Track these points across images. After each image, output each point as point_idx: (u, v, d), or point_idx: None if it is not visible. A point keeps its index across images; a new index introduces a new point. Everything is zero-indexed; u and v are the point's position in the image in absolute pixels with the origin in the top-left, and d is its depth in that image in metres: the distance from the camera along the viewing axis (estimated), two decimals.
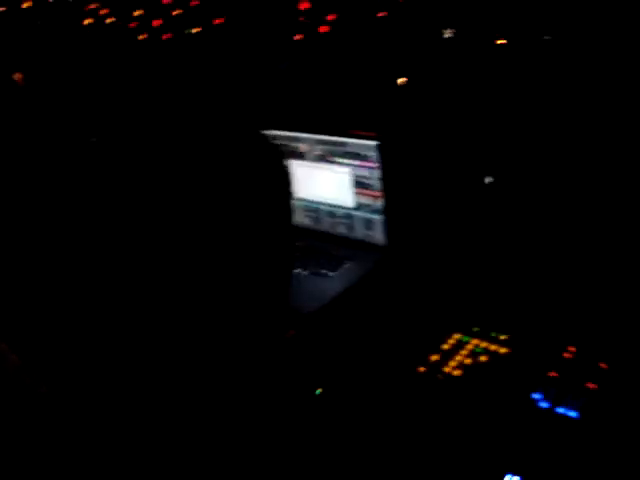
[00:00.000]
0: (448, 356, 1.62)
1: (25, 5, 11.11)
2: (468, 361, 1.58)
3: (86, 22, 12.06)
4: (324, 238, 2.15)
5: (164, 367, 1.00)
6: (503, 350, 1.60)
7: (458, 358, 1.61)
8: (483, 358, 1.58)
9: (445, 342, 1.68)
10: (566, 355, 1.53)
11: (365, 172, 1.99)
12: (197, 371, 0.99)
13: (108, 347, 1.08)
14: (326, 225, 2.16)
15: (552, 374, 1.47)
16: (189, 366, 0.99)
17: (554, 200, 2.02)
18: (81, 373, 1.17)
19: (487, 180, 2.12)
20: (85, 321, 1.14)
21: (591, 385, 1.43)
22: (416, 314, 1.80)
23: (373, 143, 1.94)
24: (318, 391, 1.53)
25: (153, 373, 1.01)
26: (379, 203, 1.99)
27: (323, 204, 2.15)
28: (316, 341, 1.69)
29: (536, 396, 1.42)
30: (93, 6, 11.60)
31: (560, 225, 1.95)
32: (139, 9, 11.05)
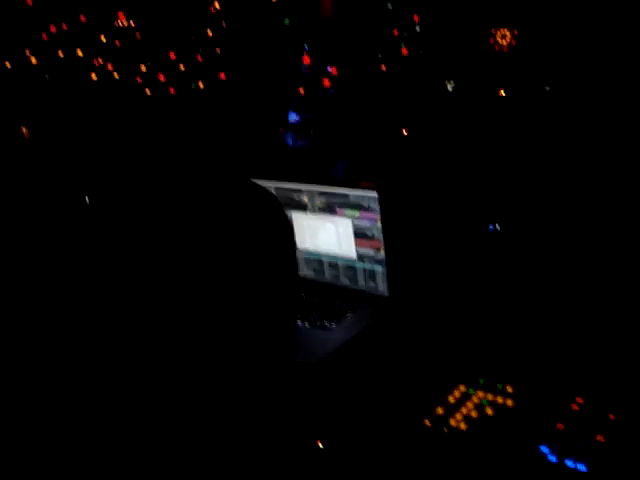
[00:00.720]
0: (454, 409, 1.59)
1: (34, 61, 11.29)
2: (474, 414, 1.56)
3: (94, 76, 12.20)
4: (326, 289, 2.14)
5: (173, 423, 0.99)
6: (509, 402, 1.58)
7: (464, 411, 1.58)
8: (489, 411, 1.56)
9: (450, 394, 1.65)
10: (574, 407, 1.51)
11: (366, 223, 1.99)
12: (203, 423, 0.97)
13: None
14: (328, 276, 2.15)
15: (560, 426, 1.45)
16: (194, 420, 0.97)
17: (559, 249, 2.01)
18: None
19: (492, 227, 2.12)
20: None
21: (599, 437, 1.40)
22: (420, 366, 1.78)
23: (374, 194, 1.94)
24: (321, 445, 1.51)
25: (161, 429, 0.99)
26: (381, 254, 1.98)
27: (325, 255, 2.14)
28: (319, 394, 1.67)
29: (544, 449, 1.39)
30: (101, 61, 11.80)
31: (567, 274, 1.94)
32: (145, 64, 11.22)
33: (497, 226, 2.03)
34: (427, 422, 1.55)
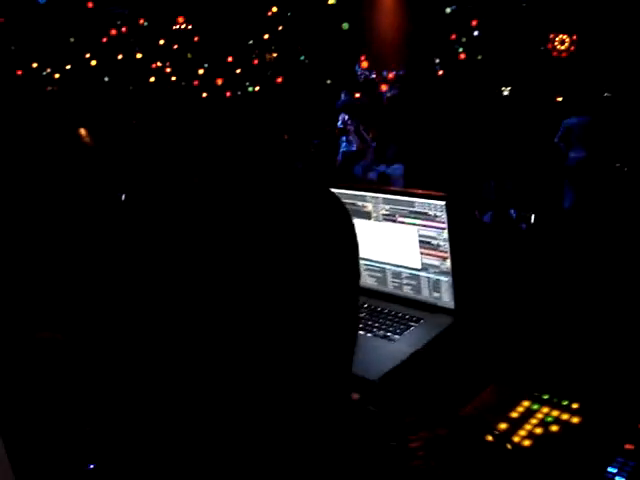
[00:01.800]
0: (517, 425, 1.57)
1: (93, 63, 11.51)
2: (538, 430, 1.53)
3: (152, 79, 12.42)
4: (389, 300, 2.12)
5: (228, 430, 0.98)
6: (575, 419, 1.54)
7: (528, 427, 1.55)
8: (554, 428, 1.53)
9: (514, 410, 1.63)
10: None
11: (432, 232, 1.97)
12: (260, 434, 0.96)
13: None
14: (391, 286, 2.13)
15: (628, 446, 1.41)
16: (252, 428, 0.96)
17: (628, 267, 1.97)
18: None
19: (514, 213, 2.08)
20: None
21: None
22: (484, 380, 1.76)
23: (441, 203, 1.92)
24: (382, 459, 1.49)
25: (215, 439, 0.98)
26: (447, 264, 1.96)
27: (388, 264, 2.13)
28: (381, 406, 1.65)
29: (612, 470, 1.36)
30: (159, 64, 12.03)
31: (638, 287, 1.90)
32: (202, 68, 11.41)
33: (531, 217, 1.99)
34: (489, 438, 1.53)
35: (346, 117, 11.84)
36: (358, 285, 1.02)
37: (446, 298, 1.99)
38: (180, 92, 13.49)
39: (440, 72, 9.18)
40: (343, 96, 12.06)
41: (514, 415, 1.60)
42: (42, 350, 2.85)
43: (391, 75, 8.58)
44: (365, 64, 8.62)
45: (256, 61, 12.04)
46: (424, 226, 1.98)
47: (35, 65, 12.03)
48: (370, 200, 2.10)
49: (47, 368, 2.83)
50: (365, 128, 10.02)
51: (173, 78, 12.59)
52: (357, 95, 9.19)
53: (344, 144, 12.27)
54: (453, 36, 9.18)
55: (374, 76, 9.20)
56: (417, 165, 8.46)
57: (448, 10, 8.68)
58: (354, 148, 11.29)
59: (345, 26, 8.91)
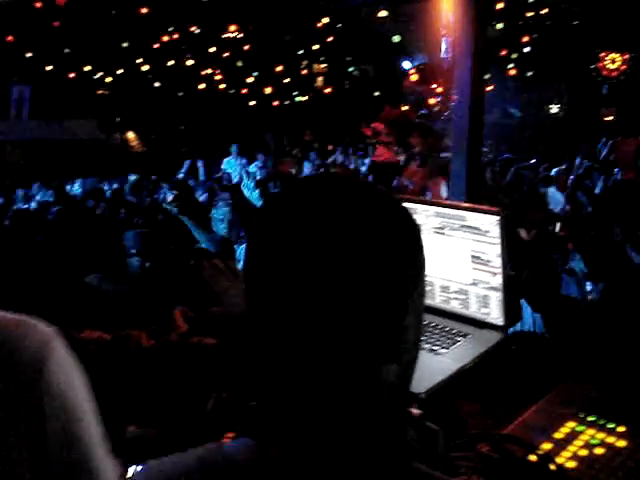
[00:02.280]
0: (561, 446, 1.54)
1: (144, 68, 11.68)
2: (583, 452, 1.50)
3: (200, 86, 12.54)
4: (437, 313, 2.10)
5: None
6: (621, 443, 1.51)
7: (572, 449, 1.53)
8: (599, 450, 1.50)
9: (559, 430, 1.61)
10: None
11: (484, 247, 1.95)
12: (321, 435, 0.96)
13: None
14: (439, 300, 2.12)
15: None
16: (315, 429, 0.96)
17: None
18: None
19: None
20: None
21: None
22: (530, 399, 1.74)
23: (495, 217, 1.90)
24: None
25: None
26: (497, 280, 1.94)
27: (437, 278, 2.11)
28: (429, 421, 1.64)
29: None
30: (209, 71, 12.15)
31: None
32: (252, 76, 11.48)
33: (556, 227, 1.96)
34: (533, 457, 1.51)
35: (377, 128, 11.89)
36: (424, 295, 1.00)
37: (495, 314, 1.96)
38: (229, 100, 13.62)
39: (489, 88, 9.12)
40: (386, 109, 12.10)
41: (559, 436, 1.58)
42: (90, 351, 2.87)
43: (440, 89, 8.57)
44: (415, 77, 8.61)
45: (305, 71, 12.10)
46: (476, 241, 1.97)
47: (88, 68, 12.25)
48: (421, 213, 2.08)
49: (97, 370, 2.85)
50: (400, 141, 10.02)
51: (222, 86, 12.71)
52: (404, 108, 9.19)
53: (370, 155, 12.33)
54: (504, 52, 9.14)
55: (422, 89, 9.20)
56: (461, 180, 8.41)
57: (499, 26, 8.65)
58: (382, 159, 11.32)
59: (396, 38, 8.92)
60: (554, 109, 11.79)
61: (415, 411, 1.08)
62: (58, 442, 1.13)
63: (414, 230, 0.98)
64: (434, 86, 8.98)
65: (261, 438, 0.97)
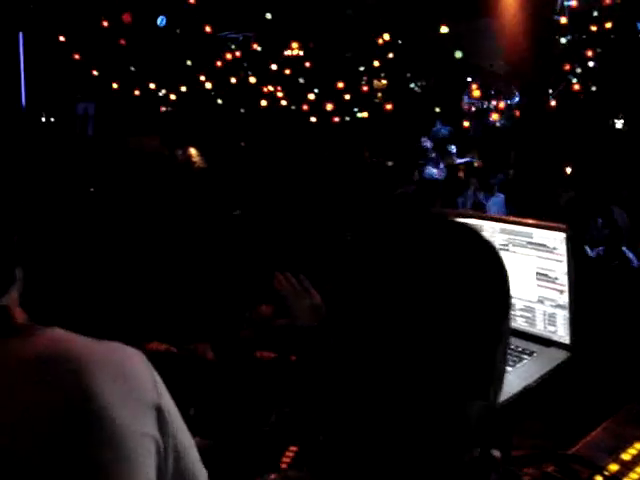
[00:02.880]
0: (629, 467, 1.52)
1: (207, 85, 11.84)
2: None
3: (263, 103, 12.66)
4: None
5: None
6: None
7: (639, 470, 1.51)
8: None
9: (626, 451, 1.58)
10: None
11: (550, 264, 1.93)
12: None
13: None
14: None
15: None
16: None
17: None
18: None
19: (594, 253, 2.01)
20: None
21: None
22: (596, 419, 1.71)
23: (562, 235, 1.88)
24: None
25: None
26: (564, 297, 1.91)
27: None
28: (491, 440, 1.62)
29: None
30: (271, 88, 12.28)
31: None
32: (313, 93, 11.56)
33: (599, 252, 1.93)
34: (599, 478, 1.49)
35: (428, 144, 11.83)
36: (509, 322, 1.01)
37: (562, 332, 1.93)
38: (290, 116, 13.73)
39: (553, 102, 9.03)
40: (438, 125, 12.06)
41: (626, 457, 1.56)
42: (157, 364, 2.92)
43: (502, 105, 8.50)
44: (477, 93, 8.57)
45: (366, 87, 12.14)
46: (542, 258, 1.94)
47: (153, 86, 12.50)
48: (487, 230, 2.07)
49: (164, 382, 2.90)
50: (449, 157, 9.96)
51: (284, 102, 12.84)
52: (466, 124, 9.14)
53: (426, 171, 12.27)
54: (567, 66, 9.03)
55: (485, 105, 9.14)
56: (520, 196, 8.34)
57: (563, 40, 8.55)
58: (436, 176, 11.25)
59: (458, 54, 8.90)
60: (618, 124, 11.59)
61: (497, 454, 1.05)
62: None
63: (501, 266, 1.00)
64: (496, 101, 8.94)
65: (322, 473, 0.97)
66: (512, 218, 2.07)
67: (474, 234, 1.00)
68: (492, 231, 2.06)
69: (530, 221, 1.98)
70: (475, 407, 0.93)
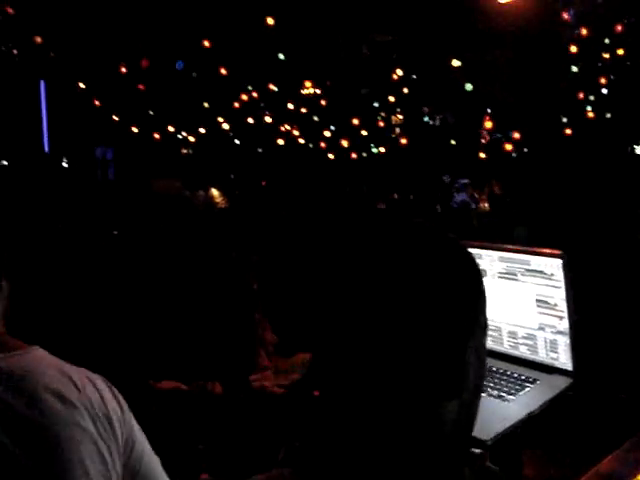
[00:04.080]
0: None
1: (225, 126, 11.91)
2: None
3: (280, 142, 12.76)
4: (504, 359, 2.08)
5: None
6: None
7: None
8: None
9: (635, 477, 1.56)
10: None
11: (549, 291, 1.93)
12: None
13: None
14: (507, 345, 2.10)
15: None
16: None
17: None
18: None
19: None
20: None
21: None
22: (604, 447, 1.69)
23: (558, 261, 1.89)
24: None
25: None
26: (564, 324, 1.91)
27: (504, 323, 2.09)
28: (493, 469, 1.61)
29: None
30: (287, 127, 12.36)
31: None
32: (329, 130, 11.62)
33: None
34: None
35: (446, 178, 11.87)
36: (484, 335, 1.03)
37: (563, 359, 1.93)
38: (308, 154, 13.83)
39: (568, 131, 9.01)
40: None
41: None
42: (167, 401, 2.94)
43: (517, 135, 8.50)
44: (489, 124, 8.59)
45: (381, 123, 12.22)
46: (540, 285, 1.95)
47: (172, 129, 12.65)
48: (485, 258, 2.08)
49: (174, 419, 2.92)
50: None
51: (301, 141, 12.94)
52: (482, 156, 9.15)
53: (457, 198, 12.28)
54: (581, 94, 9.03)
55: (499, 135, 9.15)
56: (542, 226, 8.31)
57: (575, 69, 8.57)
58: (467, 200, 11.27)
59: (468, 87, 8.95)
60: (638, 150, 11.53)
61: (476, 451, 1.08)
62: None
63: (475, 273, 1.03)
64: (510, 132, 8.94)
65: (302, 469, 1.00)
66: (509, 246, 2.07)
67: (445, 238, 1.02)
68: (490, 260, 2.07)
69: (527, 248, 1.98)
70: (449, 407, 0.96)
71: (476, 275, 1.03)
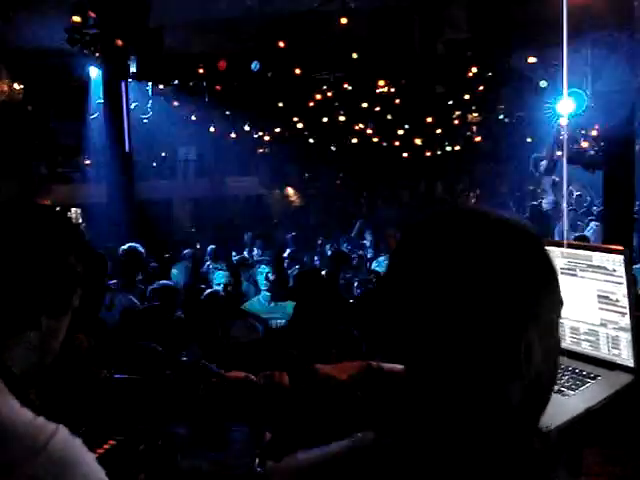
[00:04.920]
0: None
1: (299, 125, 11.96)
2: None
3: (354, 140, 12.71)
4: (569, 355, 2.08)
5: None
6: None
7: None
8: None
9: None
10: None
11: (611, 287, 1.92)
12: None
13: None
14: (569, 341, 2.10)
15: None
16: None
17: None
18: None
19: None
20: None
21: None
22: None
23: (620, 257, 1.88)
24: None
25: None
26: (625, 320, 1.90)
27: (567, 319, 2.09)
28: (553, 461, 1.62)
29: None
30: (362, 126, 12.29)
31: None
32: (402, 128, 11.59)
33: None
34: None
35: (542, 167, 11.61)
36: (554, 319, 1.13)
37: (625, 355, 1.92)
38: (382, 152, 13.84)
39: None
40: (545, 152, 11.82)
41: None
42: (236, 391, 3.03)
43: (594, 132, 8.33)
44: (564, 122, 8.43)
45: (457, 121, 12.13)
46: (602, 280, 1.94)
47: (247, 129, 12.86)
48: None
49: (239, 408, 3.00)
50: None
51: (375, 139, 12.96)
52: (558, 153, 9.01)
53: (549, 198, 12.03)
54: None
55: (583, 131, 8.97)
56: (616, 225, 8.11)
57: None
58: (548, 206, 11.04)
59: (543, 84, 8.81)
60: None
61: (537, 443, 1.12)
62: None
63: (535, 258, 1.10)
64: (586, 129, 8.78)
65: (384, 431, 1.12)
66: (572, 242, 2.07)
67: (513, 228, 1.10)
68: (553, 255, 2.07)
69: (589, 244, 1.99)
70: (513, 388, 1.04)
71: (537, 263, 1.10)
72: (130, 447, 2.35)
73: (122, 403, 2.22)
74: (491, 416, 1.04)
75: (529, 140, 11.27)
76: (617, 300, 1.92)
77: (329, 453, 1.15)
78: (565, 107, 7.93)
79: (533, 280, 1.07)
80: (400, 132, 11.92)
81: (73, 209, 13.53)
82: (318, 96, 11.61)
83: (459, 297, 1.01)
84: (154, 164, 16.88)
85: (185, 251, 10.33)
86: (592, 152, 8.96)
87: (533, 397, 1.07)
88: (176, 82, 11.78)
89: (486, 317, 1.02)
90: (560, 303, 1.13)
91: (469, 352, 1.02)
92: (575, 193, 12.86)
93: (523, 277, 1.05)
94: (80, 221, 12.94)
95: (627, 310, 1.89)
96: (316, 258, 11.13)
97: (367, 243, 11.94)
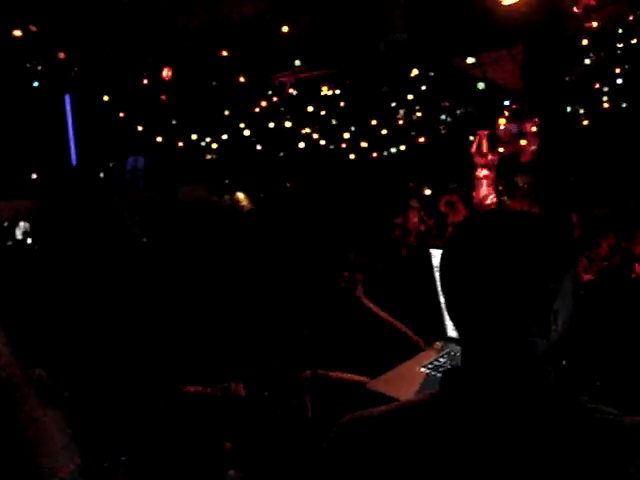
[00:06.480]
0: None
1: (246, 132, 12.06)
2: None
3: (301, 145, 12.82)
4: None
5: None
6: None
7: None
8: None
9: None
10: None
11: None
12: None
13: None
14: None
15: None
16: None
17: None
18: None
19: None
20: None
21: None
22: None
23: None
24: None
25: None
26: None
27: None
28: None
29: None
30: (308, 130, 12.44)
31: None
32: (348, 131, 11.70)
33: None
34: None
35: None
36: (570, 294, 1.47)
37: None
38: (329, 155, 13.97)
39: (585, 122, 9.06)
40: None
41: None
42: (194, 404, 3.09)
43: (533, 128, 8.55)
44: (503, 121, 8.65)
45: (401, 122, 12.31)
46: None
47: (195, 137, 12.85)
48: None
49: (198, 421, 3.07)
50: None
51: (322, 142, 13.06)
52: (501, 150, 9.22)
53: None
54: (597, 85, 9.07)
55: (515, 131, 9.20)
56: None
57: (587, 61, 8.60)
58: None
59: (480, 85, 9.04)
60: None
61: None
62: None
63: (558, 247, 1.43)
64: (526, 126, 8.99)
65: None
66: None
67: (539, 221, 1.44)
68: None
69: None
70: (540, 343, 1.41)
71: (556, 249, 1.42)
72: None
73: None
74: (522, 361, 1.39)
75: (471, 138, 11.50)
76: None
77: (396, 405, 1.50)
78: None
79: (560, 262, 1.41)
80: (346, 135, 12.05)
81: (21, 223, 13.39)
82: (263, 103, 11.69)
83: (509, 277, 1.36)
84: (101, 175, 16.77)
85: None
86: (534, 148, 9.19)
87: (551, 348, 1.42)
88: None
89: (529, 291, 1.36)
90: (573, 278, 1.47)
91: (513, 319, 1.37)
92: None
93: (554, 260, 1.40)
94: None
95: None
96: None
97: None
